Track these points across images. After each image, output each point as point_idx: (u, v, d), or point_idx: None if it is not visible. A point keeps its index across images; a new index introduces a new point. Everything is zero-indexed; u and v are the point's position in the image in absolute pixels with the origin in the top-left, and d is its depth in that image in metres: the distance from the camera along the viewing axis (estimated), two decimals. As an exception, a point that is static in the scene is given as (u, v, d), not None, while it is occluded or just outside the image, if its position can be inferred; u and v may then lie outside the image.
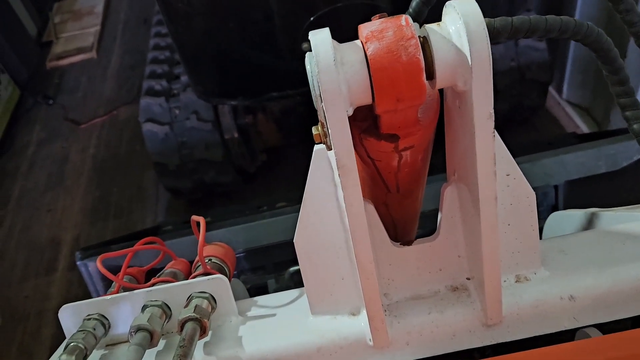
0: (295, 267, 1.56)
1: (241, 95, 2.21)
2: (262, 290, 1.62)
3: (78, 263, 1.67)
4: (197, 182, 2.69)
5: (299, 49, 1.83)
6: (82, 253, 1.67)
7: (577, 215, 1.05)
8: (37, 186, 3.55)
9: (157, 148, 2.53)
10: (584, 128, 2.67)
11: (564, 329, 0.72)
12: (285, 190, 2.72)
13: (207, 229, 0.88)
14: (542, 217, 1.18)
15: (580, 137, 1.99)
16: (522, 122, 2.79)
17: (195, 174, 2.64)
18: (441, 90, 0.66)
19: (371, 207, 0.73)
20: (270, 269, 1.63)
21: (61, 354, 0.72)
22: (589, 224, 1.00)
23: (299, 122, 2.68)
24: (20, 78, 4.59)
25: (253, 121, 2.65)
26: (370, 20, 0.60)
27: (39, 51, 5.05)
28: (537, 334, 0.73)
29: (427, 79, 0.56)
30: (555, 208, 1.54)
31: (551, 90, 2.89)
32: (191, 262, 0.97)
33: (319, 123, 0.63)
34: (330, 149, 0.60)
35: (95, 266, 1.66)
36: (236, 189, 2.88)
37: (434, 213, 0.80)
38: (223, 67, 2.08)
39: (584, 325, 0.73)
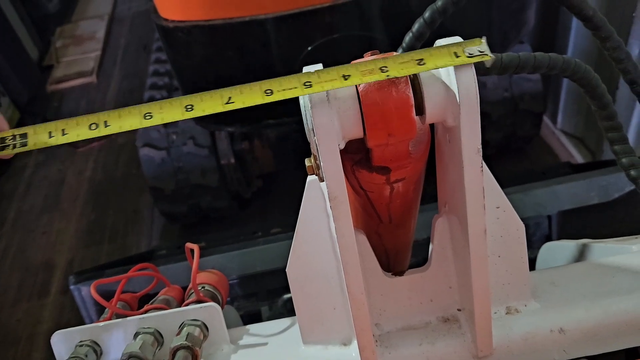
0: (289, 295, 1.56)
1: (238, 122, 2.23)
2: (256, 317, 1.61)
3: (71, 287, 1.66)
4: (192, 207, 2.69)
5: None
6: (75, 277, 1.66)
7: (569, 246, 1.06)
8: (33, 208, 3.55)
9: (154, 173, 2.54)
10: (578, 157, 2.70)
11: (554, 361, 0.73)
12: (280, 216, 2.72)
13: (201, 255, 0.89)
14: (535, 247, 1.19)
15: (574, 167, 2.01)
16: (516, 152, 2.82)
17: (191, 199, 2.64)
18: (432, 125, 0.67)
19: (363, 237, 0.74)
20: (263, 295, 1.63)
21: (52, 382, 0.71)
22: (580, 255, 1.01)
23: (295, 148, 2.70)
24: (20, 101, 4.62)
25: (249, 147, 2.67)
26: (363, 53, 0.62)
27: (40, 74, 5.09)
28: (527, 366, 0.73)
29: (417, 114, 0.58)
30: (548, 238, 1.55)
31: (546, 119, 2.92)
32: (184, 289, 0.97)
33: (312, 155, 0.64)
34: (323, 181, 0.61)
35: (88, 291, 1.65)
36: (231, 214, 2.88)
37: (427, 242, 0.81)
38: (221, 94, 2.10)
39: (574, 357, 0.73)
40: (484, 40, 0.57)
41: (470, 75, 0.55)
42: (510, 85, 2.44)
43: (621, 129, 0.81)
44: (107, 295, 0.94)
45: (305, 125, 0.60)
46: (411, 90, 0.55)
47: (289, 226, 1.77)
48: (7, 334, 2.67)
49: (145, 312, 0.86)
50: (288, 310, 1.55)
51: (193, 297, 0.87)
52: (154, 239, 3.00)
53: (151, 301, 0.92)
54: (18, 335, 2.63)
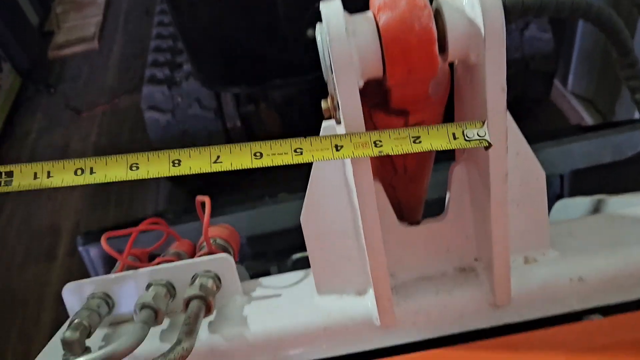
0: (298, 255, 1.56)
1: (244, 83, 2.20)
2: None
3: (80, 248, 1.66)
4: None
5: (303, 36, 1.82)
6: (83, 238, 1.66)
7: (583, 202, 1.05)
8: (38, 174, 3.54)
9: (159, 135, 2.51)
10: (589, 120, 2.65)
11: (572, 310, 0.72)
12: (286, 181, 2.70)
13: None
14: (548, 206, 1.17)
15: (585, 129, 1.98)
16: (526, 114, 2.78)
17: (197, 163, 2.62)
18: (452, 69, 0.65)
19: (379, 186, 0.73)
20: (272, 256, 1.62)
21: (65, 331, 0.71)
22: (595, 211, 1.00)
23: (302, 112, 2.66)
24: (21, 67, 4.57)
25: (256, 110, 2.63)
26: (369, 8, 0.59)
27: (41, 41, 5.03)
28: (545, 315, 0.72)
29: (440, 51, 0.55)
30: (560, 197, 1.53)
31: (556, 82, 2.87)
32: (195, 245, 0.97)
33: (329, 96, 0.62)
34: (340, 123, 0.59)
35: (96, 251, 1.65)
36: (237, 179, 2.87)
37: (438, 201, 0.80)
38: (226, 54, 2.07)
39: (593, 306, 0.72)
40: (485, 124, 0.56)
41: (497, 7, 0.52)
42: (521, 45, 2.39)
43: (643, 77, 0.79)
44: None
45: (322, 64, 0.57)
46: (434, 24, 0.53)
47: (296, 191, 1.75)
48: (16, 295, 2.70)
49: (157, 264, 0.85)
50: (297, 270, 1.54)
51: (205, 250, 0.86)
52: (160, 204, 3.00)
53: (162, 254, 0.91)
54: (27, 297, 2.66)
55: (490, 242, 0.67)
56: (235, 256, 0.93)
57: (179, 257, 0.90)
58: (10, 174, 0.56)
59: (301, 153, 0.55)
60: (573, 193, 1.51)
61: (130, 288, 0.81)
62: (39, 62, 4.73)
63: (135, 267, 0.84)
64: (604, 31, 0.76)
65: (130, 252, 0.92)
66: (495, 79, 0.55)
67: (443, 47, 0.56)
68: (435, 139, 0.55)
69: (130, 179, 0.56)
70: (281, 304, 0.78)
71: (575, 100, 2.78)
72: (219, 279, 0.79)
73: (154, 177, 0.57)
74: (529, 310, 0.72)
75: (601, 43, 2.50)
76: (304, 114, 2.62)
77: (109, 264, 1.40)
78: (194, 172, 0.57)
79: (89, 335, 0.73)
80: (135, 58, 4.31)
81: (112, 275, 0.81)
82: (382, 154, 0.55)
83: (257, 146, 0.56)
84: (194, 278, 0.79)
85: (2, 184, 0.56)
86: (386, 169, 0.78)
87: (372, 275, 0.67)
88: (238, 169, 0.57)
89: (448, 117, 0.72)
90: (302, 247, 0.75)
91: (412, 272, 0.76)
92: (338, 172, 0.70)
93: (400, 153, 0.55)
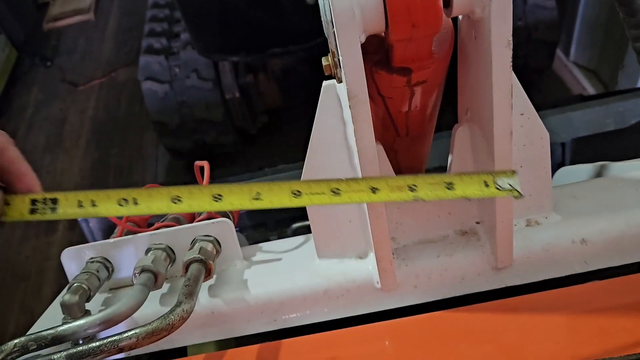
0: (298, 224, 1.55)
1: (243, 51, 2.16)
2: (264, 247, 1.61)
3: (79, 219, 1.65)
4: (197, 143, 2.65)
5: (302, 3, 1.78)
6: (82, 209, 1.65)
7: (585, 169, 1.04)
8: (36, 148, 3.52)
9: (157, 107, 2.48)
10: (591, 91, 2.62)
11: (574, 272, 0.71)
12: (286, 153, 2.69)
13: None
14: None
15: (587, 99, 1.95)
16: (528, 84, 2.74)
17: (195, 134, 2.60)
18: (455, 28, 0.63)
19: (380, 148, 0.71)
20: (272, 225, 1.62)
21: (65, 294, 0.71)
22: (598, 176, 0.99)
23: (301, 83, 2.63)
24: (17, 39, 4.51)
25: (254, 81, 2.60)
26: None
27: (36, 12, 4.95)
28: (547, 278, 0.72)
29: (444, 5, 0.54)
30: (562, 166, 1.52)
31: (558, 51, 2.83)
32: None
33: (330, 53, 0.60)
34: (341, 81, 0.58)
35: (95, 222, 1.64)
36: (237, 151, 2.85)
37: (438, 170, 0.79)
38: (225, 21, 2.03)
39: (595, 269, 0.72)
40: (516, 175, 0.56)
41: (504, -44, 0.50)
42: (524, 14, 2.35)
43: (651, 37, 0.77)
44: (112, 228, 0.92)
45: (322, 18, 0.56)
46: (439, -25, 0.51)
47: (296, 162, 1.74)
48: (17, 270, 2.70)
49: (156, 229, 0.84)
50: (297, 238, 1.54)
51: (204, 215, 0.86)
52: (159, 176, 2.99)
53: (162, 219, 0.90)
54: (27, 271, 2.66)
55: (493, 203, 0.66)
56: (235, 222, 0.92)
57: (178, 222, 0.89)
58: (55, 201, 0.56)
59: (339, 194, 0.56)
60: (574, 161, 1.50)
61: (129, 253, 0.80)
62: (34, 34, 4.67)
63: (134, 233, 0.84)
64: (611, -10, 0.74)
65: (129, 219, 0.92)
66: (501, 32, 0.53)
67: (447, 1, 0.54)
68: (469, 187, 0.56)
69: (172, 211, 0.57)
70: (281, 268, 0.78)
71: (577, 71, 2.75)
72: (219, 243, 0.79)
73: (196, 211, 0.59)
74: (530, 272, 0.72)
75: (604, 12, 2.46)
76: (303, 85, 2.59)
77: (108, 235, 1.40)
78: (234, 209, 0.57)
79: (88, 299, 0.72)
80: (132, 31, 4.25)
81: (111, 240, 0.80)
82: (417, 199, 0.56)
83: (296, 185, 0.57)
84: (193, 242, 0.78)
85: (48, 211, 0.56)
86: (388, 132, 0.76)
87: (373, 237, 0.67)
88: (277, 207, 0.57)
89: (451, 76, 0.71)
90: (302, 217, 0.74)
91: (413, 236, 0.75)
92: (339, 133, 0.69)
93: (434, 199, 0.56)
